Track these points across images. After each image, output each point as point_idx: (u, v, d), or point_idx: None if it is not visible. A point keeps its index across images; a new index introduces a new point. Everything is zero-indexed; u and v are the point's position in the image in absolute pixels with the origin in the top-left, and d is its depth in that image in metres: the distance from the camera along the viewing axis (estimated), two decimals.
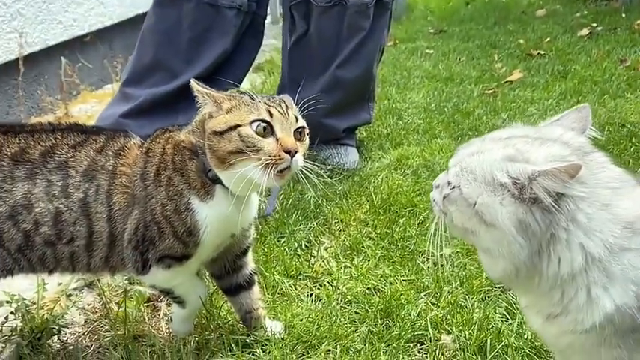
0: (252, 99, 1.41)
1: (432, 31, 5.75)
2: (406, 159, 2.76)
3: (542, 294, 1.05)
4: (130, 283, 1.93)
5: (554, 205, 0.96)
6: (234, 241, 1.59)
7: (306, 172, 1.42)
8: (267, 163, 1.34)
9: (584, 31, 4.90)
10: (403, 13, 6.35)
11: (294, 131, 1.40)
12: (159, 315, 1.82)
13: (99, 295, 1.91)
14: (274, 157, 1.34)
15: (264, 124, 1.36)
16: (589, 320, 0.99)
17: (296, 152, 1.36)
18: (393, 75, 4.19)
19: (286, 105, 1.43)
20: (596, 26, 5.03)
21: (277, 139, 1.36)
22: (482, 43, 5.01)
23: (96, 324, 1.79)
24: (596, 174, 1.00)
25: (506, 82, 3.86)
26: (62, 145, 1.49)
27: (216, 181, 1.43)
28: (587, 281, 0.99)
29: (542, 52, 4.46)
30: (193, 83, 1.44)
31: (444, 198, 1.09)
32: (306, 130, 1.44)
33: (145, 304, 1.83)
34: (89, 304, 1.87)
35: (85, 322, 1.80)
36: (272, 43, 5.18)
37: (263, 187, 1.37)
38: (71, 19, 3.91)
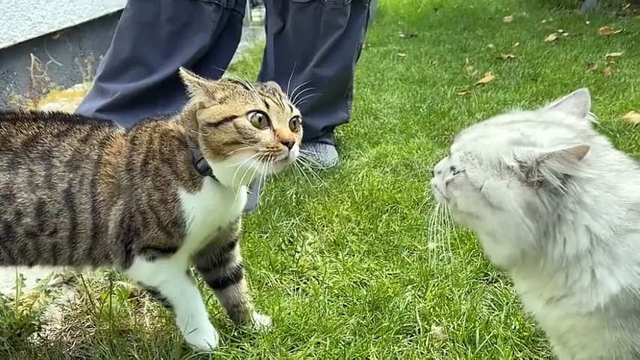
0: (247, 88, 1.38)
1: (402, 35, 5.80)
2: (385, 157, 2.77)
3: (546, 277, 1.05)
4: (112, 279, 1.89)
5: (562, 186, 0.97)
6: (222, 234, 1.56)
7: (301, 162, 1.40)
8: (266, 155, 1.31)
9: (551, 37, 5.02)
10: (374, 17, 6.39)
11: (290, 121, 1.38)
12: (142, 310, 1.78)
13: (79, 292, 1.86)
14: (272, 148, 1.32)
15: (260, 115, 1.33)
16: (594, 302, 1.00)
17: (293, 143, 1.34)
18: (367, 77, 4.21)
19: (280, 94, 1.41)
20: (562, 32, 5.15)
21: (274, 130, 1.33)
22: (453, 47, 5.08)
23: (76, 320, 1.74)
24: (600, 156, 1.01)
25: (479, 84, 3.92)
26: (45, 133, 1.44)
27: (206, 172, 1.40)
28: (591, 263, 1.00)
29: (512, 56, 4.55)
30: (183, 72, 1.39)
31: (447, 183, 1.09)
32: (300, 119, 1.42)
33: (129, 300, 1.79)
34: (69, 301, 1.81)
35: (65, 318, 1.75)
36: (244, 44, 5.16)
37: (263, 176, 1.34)
38: (40, 16, 3.82)
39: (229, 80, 1.44)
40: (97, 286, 1.88)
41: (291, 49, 2.64)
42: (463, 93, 3.74)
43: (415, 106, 3.51)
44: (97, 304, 1.75)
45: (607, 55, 4.24)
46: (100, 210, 1.42)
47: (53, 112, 1.52)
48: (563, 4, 6.39)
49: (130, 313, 1.75)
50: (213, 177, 1.41)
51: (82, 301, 1.82)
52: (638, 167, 1.04)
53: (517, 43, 4.91)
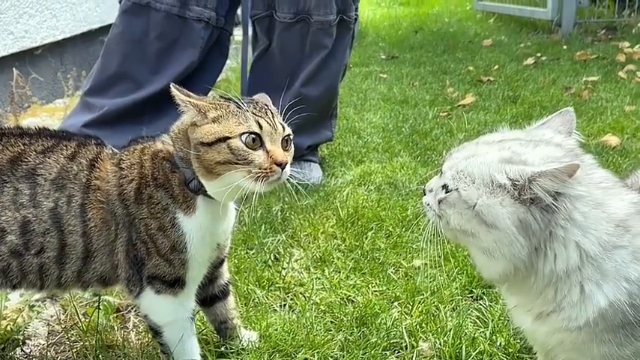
0: (240, 107, 1.38)
1: (384, 56, 5.88)
2: (369, 175, 2.80)
3: (536, 293, 1.08)
4: (98, 294, 1.87)
5: (554, 203, 1.00)
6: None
7: (287, 179, 1.41)
8: (258, 176, 1.32)
9: (530, 61, 5.12)
10: (355, 39, 6.47)
11: (282, 140, 1.38)
12: (129, 325, 1.77)
13: (63, 307, 1.84)
14: (265, 169, 1.33)
15: (253, 136, 1.33)
16: (582, 316, 1.03)
17: (286, 163, 1.36)
18: (350, 96, 4.26)
19: (272, 112, 1.42)
20: (541, 56, 5.27)
21: (267, 152, 1.34)
22: (434, 69, 5.16)
23: (60, 336, 1.72)
24: (588, 174, 1.05)
25: (460, 105, 3.98)
26: (30, 150, 1.43)
27: (198, 191, 1.40)
28: (580, 278, 1.03)
29: (491, 79, 4.63)
30: (175, 90, 1.38)
31: (440, 202, 1.12)
32: (292, 137, 1.44)
33: (114, 315, 1.78)
34: (52, 316, 1.80)
35: (49, 333, 1.73)
36: (227, 63, 5.17)
37: (255, 194, 1.34)
38: (23, 31, 3.80)
39: (221, 98, 1.44)
40: (81, 302, 1.86)
41: (277, 68, 2.67)
42: (445, 114, 3.80)
43: (398, 126, 3.55)
44: (83, 319, 1.73)
45: (584, 79, 4.34)
46: (92, 235, 1.41)
47: (39, 128, 1.51)
48: (541, 29, 6.52)
49: (115, 328, 1.73)
50: (205, 195, 1.40)
51: (67, 316, 1.80)
52: (623, 185, 1.08)
53: (496, 66, 5.01)
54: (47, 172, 1.40)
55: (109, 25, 2.64)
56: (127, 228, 1.41)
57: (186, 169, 1.40)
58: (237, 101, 1.40)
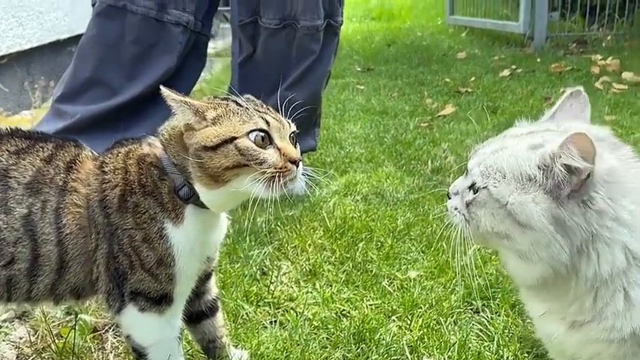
0: (240, 105, 1.27)
1: (359, 69, 5.82)
2: (354, 185, 2.71)
3: (573, 299, 0.98)
4: (69, 314, 1.73)
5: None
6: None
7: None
8: (272, 176, 1.20)
9: (506, 72, 5.12)
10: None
11: (289, 137, 1.28)
12: (106, 347, 1.63)
13: (33, 328, 1.69)
14: (280, 168, 1.21)
15: (262, 134, 1.22)
16: (628, 327, 0.94)
17: (300, 160, 1.25)
18: (329, 107, 4.17)
19: (270, 110, 1.32)
20: (516, 68, 5.27)
21: (279, 149, 1.23)
22: (411, 80, 5.11)
23: (31, 359, 1.57)
24: (630, 168, 0.97)
25: (440, 116, 3.93)
26: (2, 151, 1.29)
27: (189, 200, 1.28)
28: (626, 283, 0.94)
29: (469, 90, 4.60)
30: (165, 90, 1.25)
31: (468, 204, 1.02)
32: (296, 133, 1.33)
33: (91, 335, 1.64)
34: (22, 338, 1.65)
35: (18, 357, 1.58)
36: (201, 76, 5.06)
37: (268, 199, 1.23)
38: None
39: (216, 97, 1.32)
40: (54, 321, 1.72)
41: (262, 75, 2.57)
42: (425, 124, 3.74)
43: (379, 136, 3.48)
44: (57, 341, 1.59)
45: (562, 89, 4.34)
46: (68, 243, 1.28)
47: (12, 128, 1.37)
48: (513, 43, 6.55)
49: (93, 349, 1.60)
50: (195, 204, 1.28)
51: (38, 337, 1.65)
52: None
53: (473, 78, 4.99)
54: (21, 176, 1.27)
55: (79, 36, 2.51)
56: (108, 238, 1.28)
57: (176, 176, 1.27)
58: (236, 99, 1.29)
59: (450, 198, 1.10)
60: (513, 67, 5.34)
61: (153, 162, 1.30)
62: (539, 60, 5.62)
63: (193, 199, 1.27)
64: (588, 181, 0.92)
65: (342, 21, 2.69)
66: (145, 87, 2.37)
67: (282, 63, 2.58)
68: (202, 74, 5.17)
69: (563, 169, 0.92)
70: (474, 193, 1.01)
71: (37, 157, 1.30)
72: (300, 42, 2.54)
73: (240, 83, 2.62)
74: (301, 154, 2.85)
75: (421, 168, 2.92)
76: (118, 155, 1.33)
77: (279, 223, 2.30)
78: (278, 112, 1.35)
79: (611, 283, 0.95)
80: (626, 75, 4.66)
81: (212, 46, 6.61)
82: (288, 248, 2.14)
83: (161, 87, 1.26)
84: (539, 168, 0.94)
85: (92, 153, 1.38)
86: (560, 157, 0.92)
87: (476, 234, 1.03)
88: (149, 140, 1.35)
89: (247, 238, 2.16)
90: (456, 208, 1.07)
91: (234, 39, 2.51)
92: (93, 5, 2.43)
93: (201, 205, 1.28)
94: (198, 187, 1.26)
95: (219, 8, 2.71)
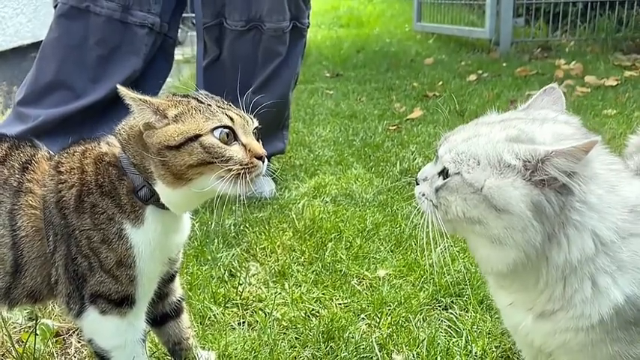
0: (201, 102, 1.24)
1: (328, 74, 5.84)
2: (323, 187, 2.70)
3: (542, 287, 0.98)
4: (31, 319, 1.69)
5: (570, 183, 0.91)
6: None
7: None
8: (239, 173, 1.18)
9: (472, 77, 5.19)
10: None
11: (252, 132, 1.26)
12: (70, 351, 1.59)
13: None
14: (246, 164, 1.19)
15: (226, 131, 1.19)
16: (596, 314, 0.94)
17: (266, 156, 1.23)
18: (298, 111, 4.17)
19: (231, 105, 1.30)
20: (482, 73, 5.35)
21: (244, 145, 1.21)
22: (379, 85, 5.15)
23: None
24: (600, 154, 0.97)
25: (408, 119, 3.96)
26: None
27: (149, 200, 1.24)
28: (593, 270, 0.94)
29: (437, 94, 4.65)
30: (123, 89, 1.22)
31: (437, 190, 1.01)
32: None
33: (54, 340, 1.60)
34: None
35: None
36: (169, 80, 5.01)
37: (235, 198, 1.21)
38: None
39: (175, 95, 1.29)
40: (14, 327, 1.67)
41: (229, 77, 2.54)
42: (394, 127, 3.77)
43: (349, 140, 3.49)
44: (17, 346, 1.54)
45: (527, 93, 4.40)
46: (24, 246, 1.24)
47: None
48: (479, 48, 6.66)
49: (55, 354, 1.56)
50: (156, 205, 1.25)
51: None
52: (629, 169, 1.01)
53: (440, 82, 5.04)
54: None
55: (42, 41, 2.45)
56: (66, 240, 1.24)
57: (136, 176, 1.24)
58: (196, 96, 1.27)
59: (417, 184, 1.09)
60: (480, 71, 5.41)
61: (111, 161, 1.26)
62: (504, 64, 5.72)
63: (153, 199, 1.24)
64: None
65: (309, 23, 2.70)
66: (109, 89, 2.33)
67: (249, 65, 2.57)
68: (170, 80, 5.17)
69: (550, 169, 0.92)
70: (444, 179, 1.00)
71: None
72: (267, 44, 2.54)
73: (206, 86, 2.59)
74: (270, 157, 2.87)
75: (390, 169, 2.93)
76: (74, 154, 1.30)
77: (247, 225, 2.29)
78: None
79: (580, 270, 0.95)
80: (589, 79, 4.76)
81: (180, 53, 6.56)
82: (257, 250, 2.12)
83: (118, 86, 1.23)
84: (521, 160, 0.94)
85: (49, 153, 1.34)
86: (551, 159, 0.91)
87: (445, 220, 1.02)
88: (108, 139, 1.31)
89: (215, 240, 2.13)
90: (423, 194, 1.06)
91: (198, 42, 2.49)
92: (55, 7, 2.38)
93: (162, 206, 1.25)
94: (161, 187, 1.23)
95: (186, 15, 2.69)
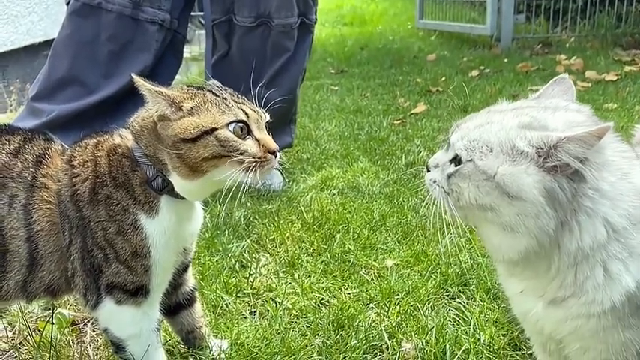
0: (217, 95, 1.27)
1: (333, 71, 5.87)
2: (330, 180, 2.74)
3: (554, 274, 1.00)
4: (47, 308, 1.73)
5: (582, 169, 0.93)
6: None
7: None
8: (251, 166, 1.21)
9: (475, 73, 5.22)
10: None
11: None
12: (85, 339, 1.63)
13: (10, 324, 1.68)
14: (260, 158, 1.22)
15: (241, 125, 1.22)
16: (607, 300, 0.95)
17: (278, 151, 1.27)
18: (304, 107, 4.21)
19: (245, 99, 1.33)
20: (484, 69, 5.37)
21: (257, 140, 1.24)
22: (383, 81, 5.18)
23: (9, 354, 1.57)
24: (612, 142, 0.99)
25: (412, 114, 4.00)
26: None
27: (162, 191, 1.27)
28: (605, 257, 0.95)
29: (440, 89, 4.69)
30: (138, 79, 1.24)
31: (449, 176, 1.03)
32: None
33: (70, 329, 1.64)
34: None
35: None
36: (177, 77, 5.05)
37: (244, 192, 1.25)
38: None
39: (191, 87, 1.31)
40: (31, 316, 1.71)
41: (238, 73, 2.58)
42: (398, 122, 3.80)
43: (354, 134, 3.52)
44: (34, 335, 1.58)
45: (529, 88, 4.44)
46: (39, 240, 1.27)
47: None
48: (481, 45, 6.68)
49: (71, 342, 1.59)
50: (170, 194, 1.28)
51: (15, 332, 1.65)
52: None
53: (443, 78, 5.08)
54: None
55: (54, 40, 2.49)
56: (82, 232, 1.27)
57: (149, 167, 1.27)
58: (211, 88, 1.30)
59: (428, 171, 1.11)
60: (482, 67, 5.44)
61: (124, 153, 1.28)
62: (506, 60, 5.74)
63: (167, 189, 1.27)
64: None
65: (316, 19, 2.73)
66: (121, 85, 2.36)
67: (257, 61, 2.60)
68: (179, 77, 5.21)
69: (563, 155, 0.93)
70: (457, 166, 1.02)
71: (2, 151, 1.28)
72: (275, 40, 2.57)
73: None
74: (279, 151, 2.90)
75: (395, 163, 2.96)
76: (86, 148, 1.32)
77: (257, 217, 2.32)
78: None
79: (591, 256, 0.96)
80: (590, 73, 4.80)
81: (188, 51, 6.59)
82: (267, 241, 2.16)
83: (133, 76, 1.24)
84: (534, 147, 0.95)
85: (62, 147, 1.36)
86: (564, 146, 0.93)
87: (456, 206, 1.04)
88: (120, 132, 1.34)
89: (226, 231, 2.17)
90: (434, 181, 1.07)
91: (207, 38, 2.52)
92: (67, 4, 2.42)
93: (176, 196, 1.28)
94: (175, 178, 1.25)
95: (195, 14, 2.73)
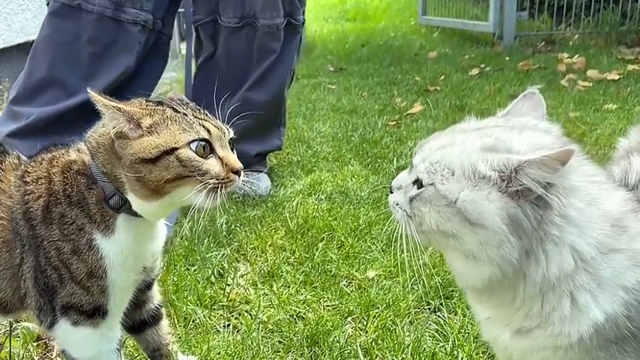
0: (177, 111, 1.19)
1: (331, 69, 5.81)
2: (319, 184, 2.68)
3: (519, 304, 0.95)
4: (12, 322, 1.68)
5: (547, 195, 0.87)
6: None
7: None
8: (214, 187, 1.15)
9: (475, 71, 5.14)
10: (303, 52, 6.38)
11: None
12: (51, 355, 1.58)
13: None
14: (223, 179, 1.16)
15: (204, 143, 1.16)
16: (575, 333, 0.90)
17: (242, 169, 1.20)
18: (299, 107, 4.16)
19: (207, 115, 1.26)
20: (485, 67, 5.30)
21: (220, 159, 1.17)
22: (381, 80, 5.11)
23: None
24: (581, 165, 0.93)
25: (408, 114, 3.93)
26: None
27: (120, 209, 1.21)
28: (572, 287, 0.90)
29: (438, 88, 4.61)
30: (95, 95, 1.15)
31: (412, 199, 0.97)
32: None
33: (35, 344, 1.59)
34: None
35: None
36: (173, 75, 5.01)
37: (207, 209, 1.18)
38: None
39: (149, 102, 1.23)
40: None
41: (223, 75, 2.53)
42: (393, 123, 3.74)
43: (347, 135, 3.47)
44: None
45: (528, 87, 4.36)
46: None
47: None
48: (483, 42, 6.60)
49: (36, 358, 1.55)
50: (128, 213, 1.21)
51: None
52: (612, 179, 0.98)
53: (442, 76, 5.00)
54: None
55: None
56: (34, 252, 1.21)
57: (106, 184, 1.20)
58: (171, 103, 1.22)
59: (392, 192, 1.05)
60: (482, 65, 5.36)
61: (80, 170, 1.22)
62: (507, 58, 5.66)
63: (125, 207, 1.21)
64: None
65: (304, 20, 2.67)
66: (102, 87, 2.30)
67: (244, 63, 2.56)
68: (174, 74, 5.17)
69: (524, 179, 0.88)
70: (419, 189, 0.97)
71: None
72: (261, 41, 2.52)
73: (202, 83, 2.58)
74: (266, 154, 2.85)
75: (387, 166, 2.91)
76: (41, 163, 1.25)
77: (239, 224, 2.27)
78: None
79: (558, 287, 0.91)
80: (591, 73, 4.71)
81: (183, 47, 6.55)
82: (248, 249, 2.11)
83: (89, 90, 1.17)
84: (496, 171, 0.90)
85: (18, 159, 1.30)
86: (525, 169, 0.87)
87: (419, 231, 0.98)
88: (78, 146, 1.27)
89: (206, 239, 2.12)
90: (397, 204, 1.02)
91: (188, 39, 2.47)
92: (48, 4, 2.37)
93: (135, 214, 1.22)
94: (132, 198, 1.19)
95: (182, 10, 2.68)
